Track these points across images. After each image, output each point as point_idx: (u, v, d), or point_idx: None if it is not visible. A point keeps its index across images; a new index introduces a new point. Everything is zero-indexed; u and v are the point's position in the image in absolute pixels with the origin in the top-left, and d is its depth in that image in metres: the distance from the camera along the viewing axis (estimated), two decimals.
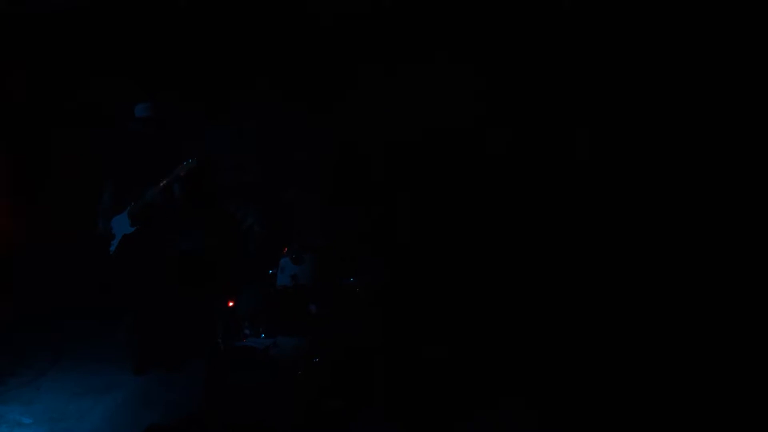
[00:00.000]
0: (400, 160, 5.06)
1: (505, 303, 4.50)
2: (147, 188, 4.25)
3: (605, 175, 4.70)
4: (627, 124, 4.68)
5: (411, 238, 4.81)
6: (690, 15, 4.43)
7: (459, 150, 5.04)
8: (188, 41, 5.54)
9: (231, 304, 4.25)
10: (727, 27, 4.34)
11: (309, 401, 3.70)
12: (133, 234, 4.31)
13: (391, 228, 4.83)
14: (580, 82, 4.80)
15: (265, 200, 4.80)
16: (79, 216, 5.29)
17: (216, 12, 5.43)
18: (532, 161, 4.89)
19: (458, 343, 4.22)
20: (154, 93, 5.38)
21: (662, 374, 3.82)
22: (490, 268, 4.65)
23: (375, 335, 4.10)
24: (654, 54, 4.59)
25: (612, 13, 4.65)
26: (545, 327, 4.31)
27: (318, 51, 5.36)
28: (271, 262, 4.33)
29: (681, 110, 4.51)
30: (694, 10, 4.40)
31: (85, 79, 5.68)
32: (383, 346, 4.10)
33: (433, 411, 3.72)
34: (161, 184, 4.17)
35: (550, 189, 4.80)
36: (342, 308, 4.15)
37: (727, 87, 4.38)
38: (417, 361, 4.05)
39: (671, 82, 4.55)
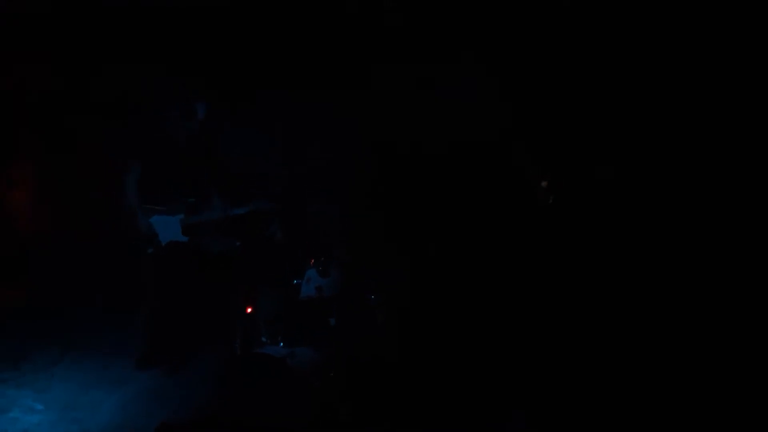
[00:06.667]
0: (425, 171, 5.11)
1: (523, 316, 4.50)
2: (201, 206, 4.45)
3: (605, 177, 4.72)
4: (630, 124, 4.72)
5: (434, 250, 4.85)
6: (694, 14, 4.48)
7: (482, 161, 5.07)
8: (212, 45, 5.61)
9: (249, 310, 4.33)
10: (729, 25, 4.38)
11: (323, 408, 3.77)
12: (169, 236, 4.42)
13: (415, 239, 4.87)
14: (580, 80, 4.84)
15: (289, 209, 4.88)
16: (99, 212, 5.47)
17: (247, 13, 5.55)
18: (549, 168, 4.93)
19: (471, 355, 4.26)
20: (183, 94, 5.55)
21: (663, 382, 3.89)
22: (510, 281, 4.68)
23: (392, 349, 4.17)
24: (657, 53, 4.63)
25: (613, 12, 4.69)
26: (562, 342, 4.29)
27: (346, 56, 5.41)
28: (292, 271, 4.41)
29: (687, 110, 4.54)
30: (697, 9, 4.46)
31: (110, 74, 5.77)
32: (399, 360, 4.16)
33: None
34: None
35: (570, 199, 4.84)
36: (362, 323, 4.24)
37: (727, 83, 4.41)
38: (432, 373, 4.10)
39: (676, 82, 4.58)
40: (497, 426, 3.79)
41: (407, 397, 3.90)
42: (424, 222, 4.89)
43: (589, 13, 4.72)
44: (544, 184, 4.72)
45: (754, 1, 4.33)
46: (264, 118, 5.63)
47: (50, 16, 5.56)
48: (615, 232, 4.55)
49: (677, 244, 4.46)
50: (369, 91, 5.29)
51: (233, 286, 4.48)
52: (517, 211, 4.79)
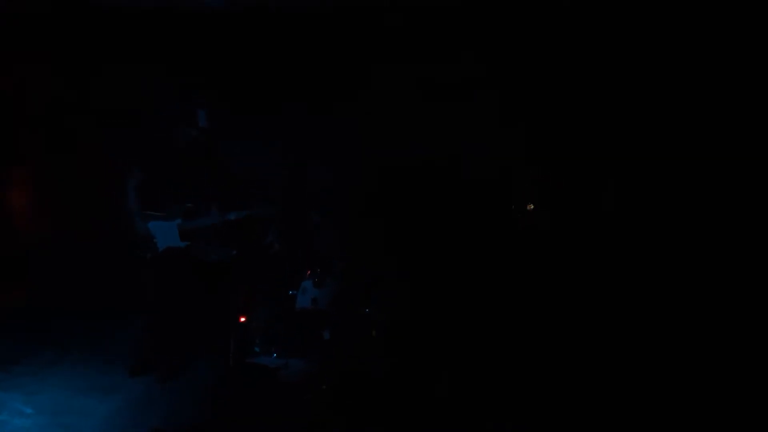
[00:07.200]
0: (423, 181, 5.07)
1: (517, 329, 4.45)
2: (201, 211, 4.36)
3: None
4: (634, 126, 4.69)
5: (431, 262, 4.79)
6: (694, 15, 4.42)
7: (479, 170, 5.05)
8: (212, 54, 5.58)
9: (243, 319, 4.25)
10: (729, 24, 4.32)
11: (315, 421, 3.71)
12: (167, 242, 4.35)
13: (412, 251, 4.81)
14: (579, 80, 4.83)
15: (288, 214, 4.80)
16: (103, 215, 5.41)
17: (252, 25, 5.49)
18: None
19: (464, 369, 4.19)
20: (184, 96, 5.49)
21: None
22: (505, 294, 4.61)
23: (384, 362, 4.09)
24: (656, 54, 4.58)
25: (613, 11, 4.63)
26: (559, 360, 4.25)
27: (346, 56, 5.38)
28: (288, 282, 4.32)
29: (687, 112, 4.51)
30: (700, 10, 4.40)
31: (110, 74, 5.73)
32: (392, 373, 4.08)
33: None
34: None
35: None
36: (356, 336, 4.16)
37: (726, 83, 4.38)
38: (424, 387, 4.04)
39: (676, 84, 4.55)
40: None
41: (399, 410, 3.81)
42: (422, 234, 4.83)
43: (588, 13, 4.62)
44: (530, 207, 4.65)
45: (754, 1, 4.22)
46: (264, 120, 5.57)
47: (50, 16, 5.53)
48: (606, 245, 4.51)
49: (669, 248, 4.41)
50: (369, 90, 5.23)
51: (229, 295, 4.40)
52: (513, 225, 4.73)
